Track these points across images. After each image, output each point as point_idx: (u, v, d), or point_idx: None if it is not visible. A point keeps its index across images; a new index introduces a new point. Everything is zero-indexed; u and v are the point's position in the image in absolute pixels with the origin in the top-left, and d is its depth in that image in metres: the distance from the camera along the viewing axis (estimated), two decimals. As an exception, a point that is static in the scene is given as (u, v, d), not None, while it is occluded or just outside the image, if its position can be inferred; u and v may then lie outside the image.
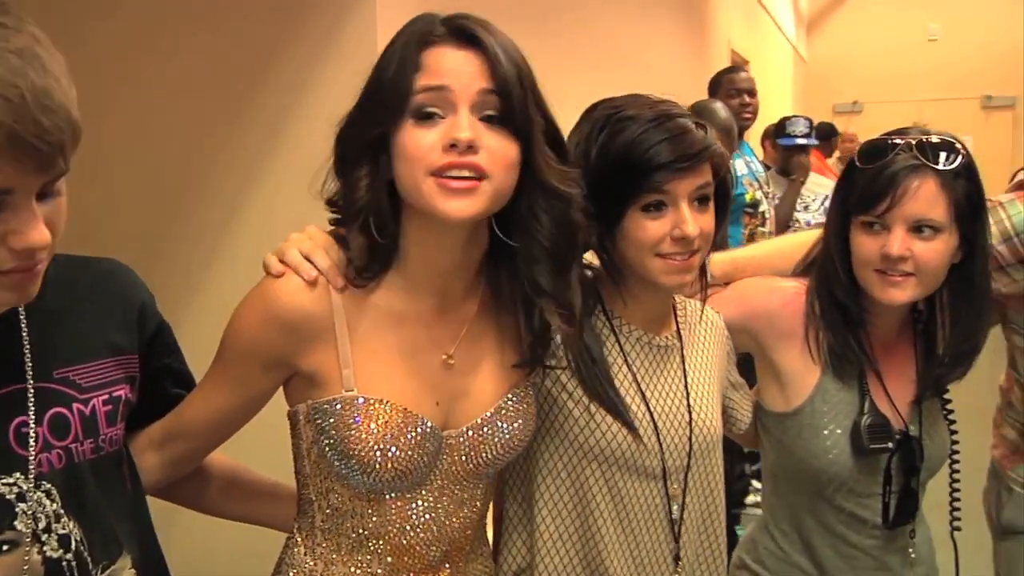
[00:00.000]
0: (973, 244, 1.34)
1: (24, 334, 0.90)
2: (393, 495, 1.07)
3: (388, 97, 0.98)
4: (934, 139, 1.32)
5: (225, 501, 1.23)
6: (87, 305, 0.98)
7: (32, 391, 0.89)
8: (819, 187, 4.16)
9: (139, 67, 2.08)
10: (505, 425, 1.11)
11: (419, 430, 1.04)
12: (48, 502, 0.88)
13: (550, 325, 1.09)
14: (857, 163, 1.35)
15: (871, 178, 1.32)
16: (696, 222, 1.15)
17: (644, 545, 1.22)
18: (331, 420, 1.03)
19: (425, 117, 0.97)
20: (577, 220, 1.07)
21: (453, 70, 0.97)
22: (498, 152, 0.97)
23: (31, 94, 0.72)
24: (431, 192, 0.96)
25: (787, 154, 3.96)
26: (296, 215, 2.09)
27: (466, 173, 0.96)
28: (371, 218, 1.00)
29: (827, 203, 4.11)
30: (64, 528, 0.89)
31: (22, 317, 0.90)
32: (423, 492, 1.08)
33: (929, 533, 1.51)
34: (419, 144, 0.96)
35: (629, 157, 1.13)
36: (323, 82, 2.03)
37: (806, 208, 4.07)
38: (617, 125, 1.15)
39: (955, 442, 1.47)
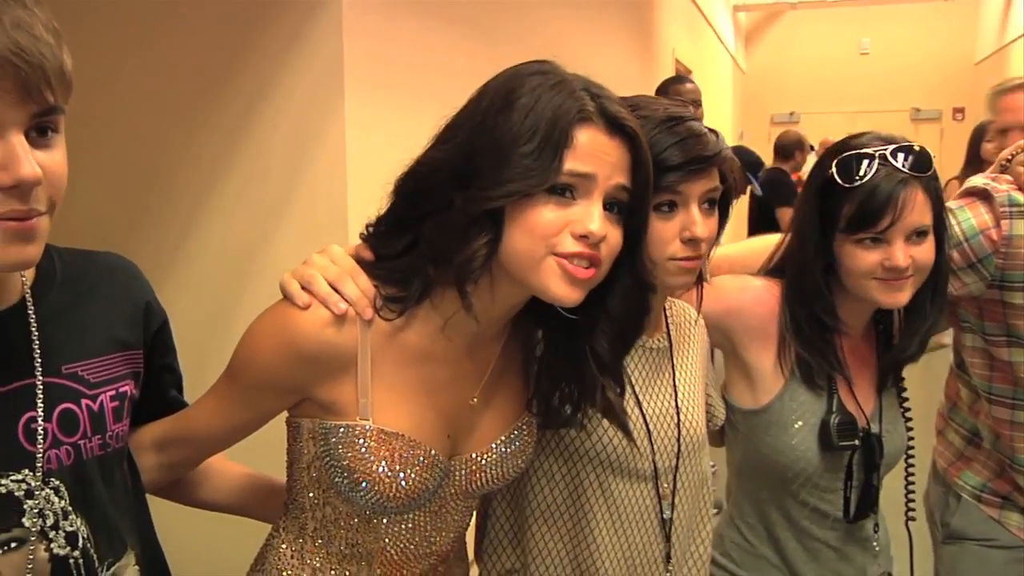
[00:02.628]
0: (940, 234, 1.40)
1: (32, 328, 0.88)
2: (393, 515, 1.07)
3: (532, 168, 0.92)
4: (906, 145, 1.36)
5: (209, 494, 1.22)
6: (93, 300, 0.97)
7: (41, 386, 0.87)
8: None
9: (108, 61, 2.05)
10: (505, 458, 1.12)
11: (427, 460, 1.04)
12: (56, 499, 0.87)
13: (562, 390, 1.10)
14: (841, 182, 1.35)
15: (865, 197, 1.33)
16: (704, 225, 1.16)
17: (636, 546, 1.24)
18: (339, 446, 1.01)
19: (561, 193, 0.94)
20: (650, 307, 1.10)
21: (601, 158, 0.95)
22: (612, 244, 0.97)
23: (9, 18, 0.72)
24: (550, 272, 0.94)
25: None
26: (259, 213, 2.11)
27: (586, 263, 0.95)
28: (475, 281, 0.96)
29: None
30: (71, 525, 0.88)
31: (30, 312, 0.89)
32: (419, 512, 1.08)
33: (885, 524, 1.57)
34: (552, 222, 0.93)
35: None
36: (289, 80, 2.04)
37: None
38: None
39: (911, 438, 1.53)
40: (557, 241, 0.94)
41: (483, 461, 1.11)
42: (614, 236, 0.97)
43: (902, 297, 1.37)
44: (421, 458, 1.03)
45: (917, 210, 1.34)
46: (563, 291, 0.95)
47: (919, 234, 1.35)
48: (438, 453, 1.05)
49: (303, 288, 0.99)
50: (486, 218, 0.93)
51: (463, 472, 1.10)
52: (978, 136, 5.46)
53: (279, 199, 2.07)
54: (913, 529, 1.56)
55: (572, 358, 1.07)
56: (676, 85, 3.79)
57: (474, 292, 0.97)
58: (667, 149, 1.12)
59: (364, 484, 1.01)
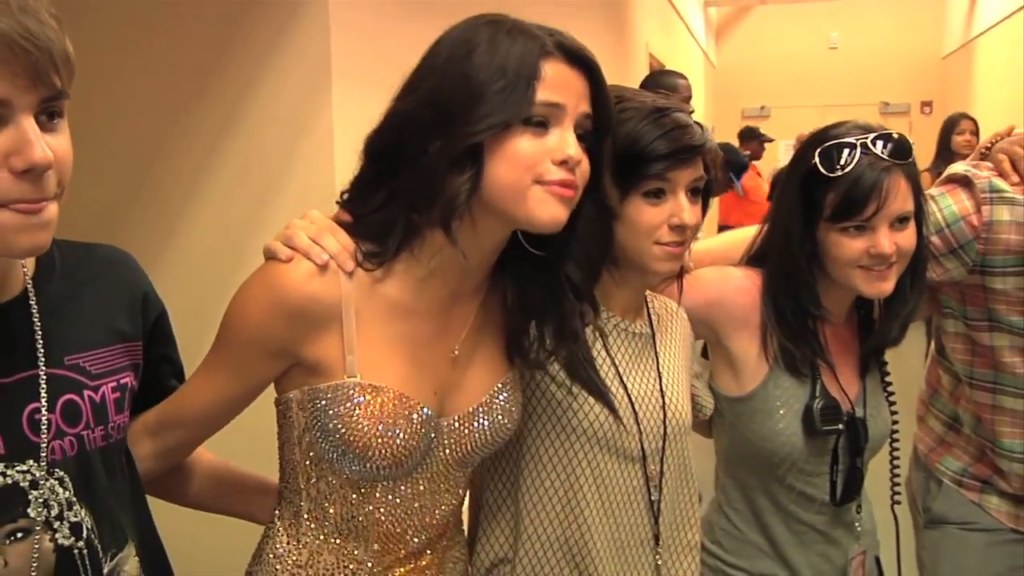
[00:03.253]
0: (919, 220, 1.42)
1: (35, 319, 0.88)
2: (384, 483, 1.08)
3: (508, 101, 0.96)
4: (886, 133, 1.38)
5: (209, 496, 1.22)
6: (91, 291, 0.97)
7: (44, 377, 0.87)
8: None
9: (99, 58, 2.04)
10: (492, 416, 1.14)
11: (417, 417, 1.05)
12: (60, 489, 0.87)
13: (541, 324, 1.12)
14: (824, 171, 1.37)
15: (850, 185, 1.35)
16: (691, 212, 1.21)
17: (624, 527, 1.26)
18: (328, 408, 1.03)
19: (537, 125, 0.98)
20: (613, 233, 1.14)
21: (567, 88, 0.99)
22: (585, 169, 1.02)
23: (15, 3, 0.73)
24: (537, 198, 0.98)
25: None
26: (248, 208, 2.10)
27: (570, 189, 1.00)
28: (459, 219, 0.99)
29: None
30: (76, 516, 0.89)
31: (32, 303, 0.89)
32: (412, 480, 1.09)
33: (871, 508, 1.60)
34: (531, 151, 0.98)
35: (635, 145, 1.18)
36: (277, 75, 2.03)
37: None
38: (621, 114, 1.18)
39: (895, 422, 1.56)
40: (542, 170, 0.98)
41: (471, 419, 1.12)
42: (585, 162, 1.02)
43: (886, 287, 1.40)
44: (410, 414, 1.05)
45: (900, 197, 1.36)
46: (551, 212, 0.99)
47: (902, 220, 1.38)
48: (425, 407, 1.07)
49: (285, 246, 1.02)
50: (466, 156, 0.97)
51: (452, 434, 1.11)
52: (948, 129, 5.59)
53: (268, 194, 2.06)
54: (898, 513, 1.58)
55: (544, 288, 1.10)
56: (667, 78, 3.73)
57: (459, 231, 0.99)
58: (655, 140, 1.18)
59: (354, 446, 1.02)
